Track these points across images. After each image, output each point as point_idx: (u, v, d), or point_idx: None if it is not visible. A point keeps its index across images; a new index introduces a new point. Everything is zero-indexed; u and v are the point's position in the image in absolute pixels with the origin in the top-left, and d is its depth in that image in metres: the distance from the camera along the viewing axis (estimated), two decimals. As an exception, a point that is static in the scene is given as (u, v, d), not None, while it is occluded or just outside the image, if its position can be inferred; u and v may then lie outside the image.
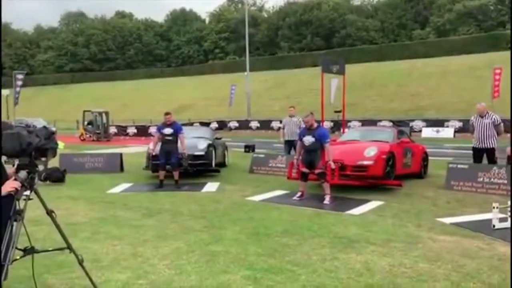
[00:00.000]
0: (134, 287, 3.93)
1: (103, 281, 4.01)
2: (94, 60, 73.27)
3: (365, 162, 8.36)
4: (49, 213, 3.24)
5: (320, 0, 63.24)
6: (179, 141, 9.52)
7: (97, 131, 26.85)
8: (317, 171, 7.79)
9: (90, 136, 26.74)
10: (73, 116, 35.18)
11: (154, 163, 10.07)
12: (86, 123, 27.82)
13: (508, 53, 38.20)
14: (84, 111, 28.23)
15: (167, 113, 9.73)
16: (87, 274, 3.44)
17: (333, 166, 7.69)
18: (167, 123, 9.63)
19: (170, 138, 9.53)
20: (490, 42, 42.96)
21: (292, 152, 11.57)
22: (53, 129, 26.46)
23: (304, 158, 7.96)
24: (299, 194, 7.94)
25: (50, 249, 3.44)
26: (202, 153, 10.39)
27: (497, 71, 23.90)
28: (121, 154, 12.37)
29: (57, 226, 3.31)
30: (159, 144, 9.68)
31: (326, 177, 7.73)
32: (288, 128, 11.78)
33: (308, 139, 7.78)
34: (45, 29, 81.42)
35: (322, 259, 4.63)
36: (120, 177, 10.88)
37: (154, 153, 9.74)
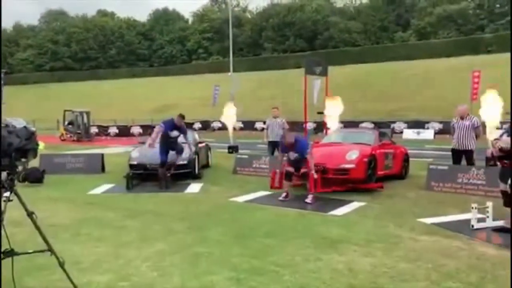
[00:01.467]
0: (116, 289, 3.90)
1: (84, 283, 3.96)
2: (75, 59, 72.23)
3: (347, 166, 8.44)
4: (30, 214, 3.19)
5: (303, 2, 63.57)
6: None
7: (78, 131, 26.48)
8: (302, 171, 7.93)
9: (71, 136, 26.35)
10: (54, 116, 34.56)
11: (134, 172, 9.95)
12: (66, 123, 27.41)
13: (487, 56, 39.06)
14: (65, 111, 27.80)
15: (182, 116, 9.73)
16: (68, 276, 3.40)
17: (315, 176, 7.74)
18: (177, 124, 9.59)
19: (173, 139, 9.62)
20: (470, 45, 43.82)
21: (276, 153, 11.60)
22: (33, 129, 26.04)
23: (290, 161, 8.12)
24: (284, 194, 7.95)
25: (31, 251, 3.38)
26: (185, 162, 10.26)
27: (476, 74, 24.36)
28: (102, 155, 12.23)
29: (38, 228, 3.26)
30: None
31: (309, 180, 7.82)
32: (271, 129, 11.83)
33: (292, 155, 7.99)
34: (24, 27, 79.95)
35: (305, 260, 4.66)
36: (102, 178, 10.76)
37: (152, 147, 9.59)
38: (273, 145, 11.63)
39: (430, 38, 50.12)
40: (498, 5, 50.04)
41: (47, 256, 3.43)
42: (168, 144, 9.64)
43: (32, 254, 3.40)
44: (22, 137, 3.27)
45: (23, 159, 3.38)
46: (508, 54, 38.37)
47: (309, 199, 7.66)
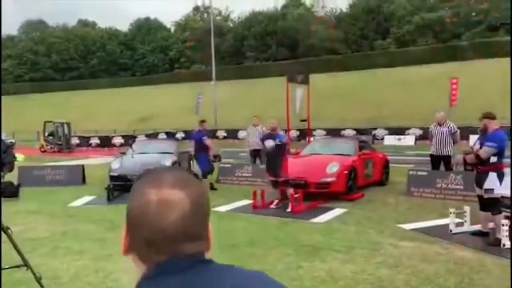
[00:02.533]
0: (95, 303, 3.86)
1: (63, 298, 3.91)
2: (56, 69, 71.30)
3: (328, 179, 8.50)
4: (5, 230, 3.14)
5: (285, 11, 64.11)
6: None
7: (59, 142, 26.09)
8: (281, 179, 7.93)
9: (52, 148, 25.94)
10: (34, 127, 34.04)
11: (115, 184, 9.87)
12: (47, 134, 26.99)
13: (464, 63, 39.91)
14: (45, 122, 27.38)
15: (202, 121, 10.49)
16: (45, 291, 3.35)
17: (295, 194, 7.77)
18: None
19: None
20: (447, 53, 44.68)
21: (257, 161, 11.62)
22: (11, 141, 25.57)
23: (269, 165, 8.20)
24: (276, 201, 8.07)
25: (7, 267, 3.33)
26: None
27: (454, 81, 24.87)
28: (83, 166, 12.07)
29: (13, 243, 3.21)
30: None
31: (289, 187, 7.91)
32: (252, 137, 11.83)
33: (269, 142, 8.09)
34: (3, 37, 78.76)
35: (287, 268, 4.68)
36: (82, 189, 10.61)
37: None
38: (254, 154, 11.64)
39: (409, 46, 50.99)
40: (474, 14, 51.25)
41: (24, 271, 3.38)
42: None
43: (8, 269, 3.34)
44: (-3, 150, 3.24)
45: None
46: (484, 61, 39.35)
47: (290, 208, 7.71)
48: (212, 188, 10.22)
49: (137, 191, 0.82)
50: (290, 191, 7.85)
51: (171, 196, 0.79)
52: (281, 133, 8.51)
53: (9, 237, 3.16)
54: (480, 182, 5.69)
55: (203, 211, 0.86)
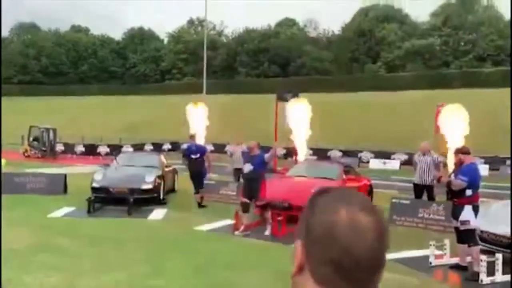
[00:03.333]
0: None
1: (32, 318, 3.81)
2: (45, 73, 70.75)
3: None
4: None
5: (278, 30, 64.84)
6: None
7: (43, 148, 25.75)
8: (258, 203, 7.69)
9: (35, 153, 25.57)
10: (19, 131, 33.55)
11: (96, 196, 9.74)
12: (31, 139, 26.63)
13: (451, 91, 40.62)
14: (31, 127, 27.04)
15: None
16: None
17: (274, 218, 7.68)
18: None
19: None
20: (435, 80, 45.52)
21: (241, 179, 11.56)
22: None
23: (244, 187, 7.87)
24: (242, 228, 7.67)
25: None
26: (150, 186, 10.10)
27: (440, 108, 25.27)
28: (65, 175, 11.88)
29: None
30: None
31: (266, 211, 7.69)
32: (236, 155, 11.78)
33: (248, 167, 7.72)
34: (-7, 38, 78.15)
35: (264, 295, 4.63)
36: (63, 199, 10.44)
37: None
38: (237, 173, 11.56)
39: (398, 71, 51.86)
40: (462, 43, 52.41)
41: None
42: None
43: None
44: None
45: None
46: (471, 90, 40.08)
47: (268, 231, 7.60)
48: (200, 205, 10.14)
49: (324, 206, 0.75)
50: (268, 214, 7.69)
51: (364, 218, 0.74)
52: (258, 152, 8.03)
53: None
54: (455, 214, 5.76)
55: (388, 238, 0.80)
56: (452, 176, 5.81)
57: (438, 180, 6.14)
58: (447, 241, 6.24)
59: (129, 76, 71.60)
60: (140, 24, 78.60)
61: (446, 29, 52.78)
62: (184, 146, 11.23)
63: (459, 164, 5.82)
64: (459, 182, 5.61)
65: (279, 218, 7.79)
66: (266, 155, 8.07)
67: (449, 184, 5.69)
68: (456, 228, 5.85)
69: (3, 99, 64.52)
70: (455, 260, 6.07)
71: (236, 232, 7.55)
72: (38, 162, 21.88)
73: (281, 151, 26.95)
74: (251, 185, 7.73)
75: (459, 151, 5.90)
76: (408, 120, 37.13)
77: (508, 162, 21.89)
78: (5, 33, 79.35)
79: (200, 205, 10.06)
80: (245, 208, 7.80)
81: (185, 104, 37.11)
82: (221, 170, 18.87)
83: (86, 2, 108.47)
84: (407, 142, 29.79)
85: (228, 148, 12.31)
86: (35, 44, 71.53)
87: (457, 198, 5.74)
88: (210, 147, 33.55)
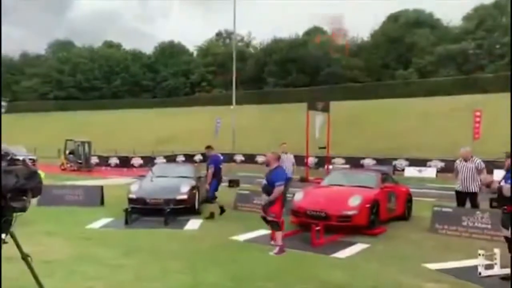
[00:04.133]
0: (110, 336, 3.73)
1: (77, 329, 3.80)
2: (80, 88, 72.96)
3: (349, 212, 8.25)
4: (25, 258, 3.07)
5: (305, 39, 64.75)
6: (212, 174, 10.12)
7: (79, 161, 26.38)
8: (269, 218, 7.01)
9: (71, 166, 26.23)
10: (55, 144, 34.59)
11: (133, 206, 9.84)
12: (68, 152, 27.35)
13: (486, 96, 39.39)
14: (66, 140, 27.79)
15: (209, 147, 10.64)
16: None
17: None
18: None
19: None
20: (470, 84, 44.23)
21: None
22: (33, 158, 25.94)
23: (264, 202, 7.23)
24: (277, 249, 6.87)
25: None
26: (185, 197, 10.12)
27: (477, 113, 24.48)
28: (102, 187, 12.07)
29: (32, 272, 3.13)
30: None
31: (278, 227, 7.01)
32: (282, 164, 11.57)
33: (263, 182, 7.23)
34: (31, 56, 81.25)
35: (307, 307, 4.49)
36: (100, 211, 10.59)
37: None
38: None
39: (430, 77, 50.73)
40: (497, 46, 50.90)
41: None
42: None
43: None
44: (21, 176, 3.20)
45: (24, 198, 3.28)
46: (508, 94, 38.76)
47: (275, 251, 6.81)
48: (223, 210, 10.31)
49: None
50: (278, 234, 7.00)
51: None
52: (276, 164, 7.23)
53: (29, 266, 3.08)
54: (506, 223, 5.45)
55: None
56: (503, 182, 5.51)
57: (488, 185, 5.78)
58: (497, 251, 5.93)
59: (160, 90, 72.91)
60: (170, 38, 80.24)
61: (480, 32, 51.41)
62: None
63: (509, 168, 5.54)
64: (508, 187, 5.31)
65: (317, 228, 7.64)
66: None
67: (499, 190, 5.40)
68: (507, 238, 5.55)
69: (40, 114, 66.99)
70: (505, 271, 5.75)
71: (271, 253, 6.81)
72: (74, 175, 22.41)
73: (313, 161, 26.74)
74: (267, 201, 7.04)
75: (509, 156, 5.62)
76: (443, 127, 36.17)
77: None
78: (41, 50, 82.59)
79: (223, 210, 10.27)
80: (275, 226, 7.03)
81: (214, 116, 37.49)
82: (252, 180, 18.86)
83: (118, 18, 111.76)
84: (443, 149, 29.00)
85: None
86: (69, 61, 73.94)
87: (508, 205, 5.44)
88: (240, 157, 33.75)
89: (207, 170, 10.28)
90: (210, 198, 10.25)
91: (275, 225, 7.04)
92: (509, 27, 36.93)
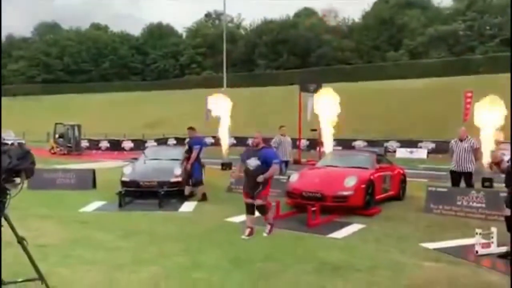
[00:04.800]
0: (110, 319, 3.67)
1: (76, 312, 3.73)
2: (68, 71, 71.84)
3: (345, 193, 8.25)
4: (20, 241, 2.97)
5: (297, 20, 64.20)
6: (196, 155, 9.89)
7: (69, 145, 26.07)
8: (257, 202, 6.62)
9: (61, 150, 25.92)
10: (44, 128, 34.13)
11: (126, 189, 9.70)
12: (57, 136, 27.00)
13: (477, 77, 39.53)
14: (56, 124, 27.40)
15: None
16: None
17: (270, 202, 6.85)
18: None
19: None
20: (460, 66, 44.32)
21: (283, 170, 11.33)
22: (21, 141, 25.58)
23: (247, 186, 6.73)
24: (247, 232, 6.60)
25: (20, 280, 3.15)
26: (179, 179, 10.00)
27: (468, 94, 24.53)
28: (94, 170, 11.92)
29: (29, 255, 3.04)
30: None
31: (266, 210, 6.77)
32: (282, 147, 11.46)
33: (254, 162, 6.64)
34: (17, 38, 79.59)
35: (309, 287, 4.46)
36: (93, 194, 10.46)
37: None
38: (285, 165, 11.30)
39: (421, 58, 50.72)
40: (488, 27, 50.93)
41: (38, 282, 3.20)
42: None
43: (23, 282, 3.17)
44: (13, 156, 3.08)
45: (16, 180, 3.17)
46: (498, 76, 38.95)
47: (267, 231, 6.70)
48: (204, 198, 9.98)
49: None
50: (270, 214, 6.92)
51: None
52: (262, 145, 6.90)
53: (25, 249, 2.99)
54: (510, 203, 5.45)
55: None
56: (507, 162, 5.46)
57: (497, 164, 5.65)
58: (494, 229, 5.95)
59: (149, 72, 72.10)
60: (158, 19, 78.97)
61: (470, 13, 51.31)
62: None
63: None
64: None
65: (313, 208, 7.62)
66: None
67: (509, 169, 5.35)
68: (508, 217, 5.55)
69: (27, 98, 65.99)
70: (502, 249, 5.78)
71: (242, 236, 6.53)
72: (64, 159, 22.17)
73: (304, 143, 26.71)
74: (254, 183, 6.58)
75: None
76: (433, 108, 36.30)
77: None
78: (27, 33, 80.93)
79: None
80: (250, 210, 6.69)
81: (205, 98, 37.18)
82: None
83: (104, 0, 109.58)
84: (433, 130, 29.16)
85: (275, 139, 11.79)
86: (57, 43, 72.61)
87: None
88: (232, 140, 33.62)
89: (189, 152, 9.95)
90: (196, 181, 9.87)
91: (264, 210, 6.72)
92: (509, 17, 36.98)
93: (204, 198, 9.85)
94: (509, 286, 4.64)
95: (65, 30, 78.16)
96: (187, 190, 9.83)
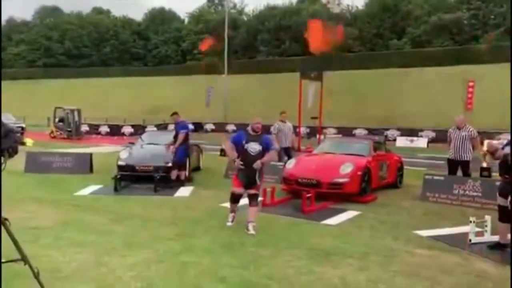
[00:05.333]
0: (96, 301, 3.65)
1: (62, 294, 3.72)
2: (69, 55, 71.48)
3: (341, 180, 8.21)
4: (2, 222, 2.94)
5: (299, 6, 63.51)
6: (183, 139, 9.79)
7: (69, 129, 26.04)
8: (253, 191, 6.25)
9: (61, 134, 25.91)
10: (44, 113, 34.09)
11: (122, 174, 9.68)
12: (57, 120, 26.97)
13: (480, 66, 39.21)
14: (56, 108, 27.35)
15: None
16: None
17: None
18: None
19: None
20: (463, 55, 43.93)
21: (285, 158, 11.18)
22: (22, 125, 25.57)
23: (243, 173, 6.23)
24: (231, 218, 6.42)
25: (3, 260, 3.12)
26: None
27: (470, 83, 24.39)
28: (91, 154, 11.90)
29: (11, 236, 3.00)
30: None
31: (257, 203, 6.39)
32: (282, 134, 11.20)
33: (254, 146, 6.23)
34: (17, 22, 79.09)
35: (298, 272, 4.45)
36: (89, 178, 10.46)
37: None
38: (285, 152, 11.01)
39: (424, 47, 50.25)
40: (492, 16, 50.34)
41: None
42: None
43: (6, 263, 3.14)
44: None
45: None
46: (502, 65, 38.64)
47: (251, 229, 6.01)
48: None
49: None
50: (256, 213, 6.31)
51: None
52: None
53: (7, 230, 2.95)
54: (505, 192, 5.39)
55: None
56: (507, 148, 5.37)
57: (493, 153, 5.53)
58: (488, 218, 5.92)
59: (150, 58, 71.69)
60: (160, 4, 78.24)
61: (475, 2, 50.67)
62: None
63: None
64: None
65: (308, 195, 7.59)
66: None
67: (505, 157, 5.28)
68: (501, 207, 5.50)
69: (28, 82, 65.76)
70: (495, 238, 5.75)
71: (227, 224, 6.34)
72: (64, 143, 22.16)
73: (304, 130, 26.63)
74: (254, 171, 6.18)
75: None
76: (435, 97, 36.12)
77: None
78: (28, 16, 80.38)
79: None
80: (236, 200, 6.40)
81: (206, 85, 37.04)
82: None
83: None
84: (435, 120, 29.04)
85: (275, 125, 11.48)
86: (58, 27, 72.14)
87: (509, 174, 5.34)
88: (231, 127, 33.54)
89: (176, 137, 9.89)
90: (178, 163, 9.69)
91: (256, 198, 6.37)
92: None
93: (178, 180, 9.65)
94: (501, 275, 4.62)
95: (66, 14, 77.59)
96: (173, 174, 9.70)
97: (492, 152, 5.51)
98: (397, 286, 4.16)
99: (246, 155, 6.20)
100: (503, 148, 5.43)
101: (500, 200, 5.54)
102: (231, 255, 4.94)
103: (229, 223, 6.38)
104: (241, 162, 6.17)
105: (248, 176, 6.22)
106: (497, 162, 5.71)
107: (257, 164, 6.15)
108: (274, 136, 11.02)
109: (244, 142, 6.26)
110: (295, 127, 11.92)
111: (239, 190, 6.30)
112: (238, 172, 6.31)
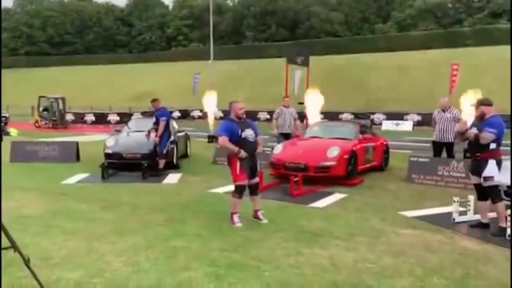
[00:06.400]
0: (87, 286, 3.68)
1: (53, 280, 3.74)
2: (51, 43, 70.26)
3: (328, 163, 8.30)
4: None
5: (286, -9, 63.16)
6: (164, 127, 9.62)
7: (53, 118, 25.75)
8: (256, 180, 5.94)
9: (46, 123, 25.61)
10: (28, 102, 33.57)
11: (110, 161, 9.64)
12: (41, 109, 26.62)
13: (464, 49, 39.55)
14: (40, 97, 26.98)
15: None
16: (34, 275, 3.16)
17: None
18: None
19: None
20: (448, 38, 44.29)
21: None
22: (5, 115, 25.19)
23: (247, 164, 5.75)
24: (238, 219, 5.72)
25: (-7, 248, 3.12)
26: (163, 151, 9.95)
27: (454, 67, 24.58)
28: (77, 143, 11.81)
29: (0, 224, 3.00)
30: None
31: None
32: (282, 119, 10.88)
33: (252, 133, 5.85)
34: (-3, 9, 77.30)
35: (286, 254, 4.52)
36: (76, 167, 10.40)
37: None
38: (284, 137, 10.59)
39: (409, 30, 50.49)
40: (476, 0, 50.69)
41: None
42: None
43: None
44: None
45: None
46: (485, 48, 39.00)
47: (261, 216, 5.88)
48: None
49: None
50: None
51: None
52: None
53: (-5, 218, 2.95)
54: (477, 170, 5.52)
55: None
56: (474, 129, 5.51)
57: (463, 133, 5.64)
58: (471, 197, 6.07)
59: (135, 44, 70.84)
60: (143, -11, 76.81)
61: (459, -15, 50.97)
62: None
63: (481, 117, 5.53)
64: (489, 135, 5.32)
65: (296, 179, 7.67)
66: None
67: (476, 137, 5.40)
68: (477, 185, 5.64)
69: (11, 71, 64.53)
70: (478, 217, 5.90)
71: (239, 224, 5.67)
72: (49, 132, 21.92)
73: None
74: (254, 158, 5.89)
75: (481, 103, 5.59)
76: (420, 81, 36.42)
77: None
78: (9, 3, 78.51)
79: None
80: (241, 191, 5.80)
81: (192, 71, 36.84)
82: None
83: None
84: (420, 103, 29.32)
85: (277, 110, 11.04)
86: (39, 14, 70.69)
87: (481, 153, 5.47)
88: (219, 113, 33.40)
89: (156, 124, 9.68)
90: (160, 153, 9.56)
91: (257, 187, 6.09)
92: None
93: (156, 169, 9.48)
94: (483, 251, 4.76)
95: (47, 1, 76.00)
96: (161, 163, 9.58)
97: (462, 133, 5.64)
98: (384, 266, 4.26)
99: (245, 144, 5.71)
100: (471, 128, 5.55)
101: (474, 179, 5.68)
102: (220, 239, 5.00)
103: (239, 224, 5.65)
104: (245, 153, 5.66)
105: (252, 165, 5.82)
106: (463, 141, 5.87)
107: (259, 150, 5.94)
108: (274, 122, 10.96)
109: (240, 131, 5.76)
110: (299, 113, 11.55)
111: (244, 182, 5.78)
112: (243, 163, 5.70)
